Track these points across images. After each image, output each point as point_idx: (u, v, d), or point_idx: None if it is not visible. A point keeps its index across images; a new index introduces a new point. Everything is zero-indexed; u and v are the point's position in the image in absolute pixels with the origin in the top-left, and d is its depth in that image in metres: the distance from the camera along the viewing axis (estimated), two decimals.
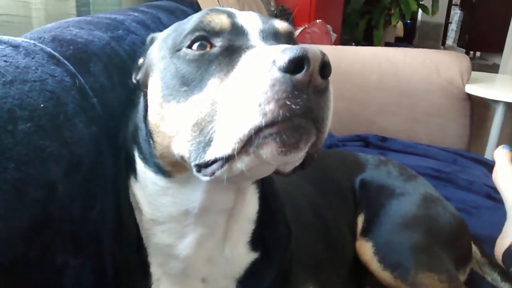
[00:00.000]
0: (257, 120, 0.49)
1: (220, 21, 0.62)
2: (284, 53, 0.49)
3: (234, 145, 0.51)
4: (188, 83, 0.59)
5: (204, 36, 0.61)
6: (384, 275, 0.97)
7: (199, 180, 0.62)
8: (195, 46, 0.61)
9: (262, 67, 0.51)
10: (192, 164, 0.58)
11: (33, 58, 0.68)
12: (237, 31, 0.62)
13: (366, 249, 1.03)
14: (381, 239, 1.03)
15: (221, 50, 0.60)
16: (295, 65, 0.48)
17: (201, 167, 0.57)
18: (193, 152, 0.57)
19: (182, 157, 0.60)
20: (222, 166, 0.55)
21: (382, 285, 0.99)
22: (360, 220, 1.12)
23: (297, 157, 0.55)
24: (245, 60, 0.55)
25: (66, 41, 0.79)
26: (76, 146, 0.66)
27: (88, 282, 0.67)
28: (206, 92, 0.57)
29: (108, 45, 0.88)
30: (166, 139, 0.63)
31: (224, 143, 0.52)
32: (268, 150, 0.51)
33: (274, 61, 0.50)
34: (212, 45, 0.61)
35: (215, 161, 0.55)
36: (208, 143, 0.55)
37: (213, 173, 0.56)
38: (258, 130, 0.50)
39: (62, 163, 0.62)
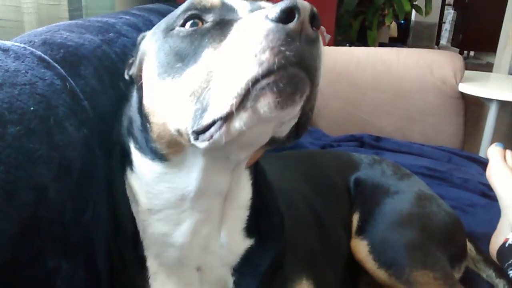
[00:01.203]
0: (254, 70, 0.51)
1: None
2: (275, 6, 0.52)
3: (232, 100, 0.52)
4: (183, 59, 0.60)
5: (196, 14, 0.63)
6: (379, 273, 0.97)
7: (195, 161, 0.64)
8: (188, 24, 0.63)
9: (256, 22, 0.53)
10: (190, 131, 0.58)
11: (23, 62, 0.68)
12: (227, 8, 0.64)
13: (361, 248, 1.03)
14: (376, 238, 1.03)
15: (213, 24, 0.61)
16: (287, 15, 0.51)
17: (198, 133, 0.58)
18: (191, 120, 0.58)
19: (179, 131, 0.61)
20: (220, 128, 0.55)
21: (377, 284, 0.99)
22: (355, 218, 1.12)
23: (293, 112, 0.56)
24: (238, 25, 0.57)
25: (57, 45, 0.78)
26: (67, 149, 0.66)
27: (81, 285, 0.67)
28: (200, 63, 0.58)
29: (99, 48, 0.88)
30: (162, 116, 0.64)
31: (221, 102, 0.53)
32: (266, 102, 0.52)
33: (266, 15, 0.52)
34: (204, 22, 0.63)
35: (212, 124, 0.56)
36: (205, 109, 0.56)
37: (211, 137, 0.57)
38: (255, 81, 0.51)
39: (53, 166, 0.62)
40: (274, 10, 0.51)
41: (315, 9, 0.52)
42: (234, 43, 0.55)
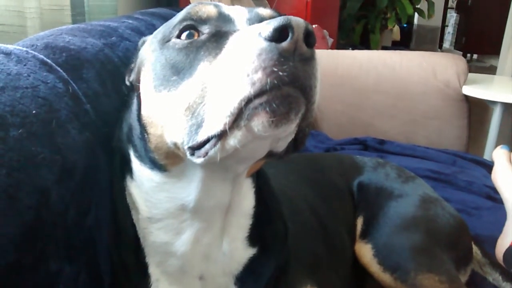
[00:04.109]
0: (246, 90, 0.50)
1: (207, 9, 0.64)
2: (269, 23, 0.51)
3: (225, 119, 0.52)
4: (178, 72, 0.60)
5: (192, 25, 0.63)
6: (384, 277, 0.96)
7: (195, 172, 0.63)
8: (183, 35, 0.63)
9: (248, 40, 0.52)
10: (185, 147, 0.58)
11: (25, 65, 0.68)
12: (224, 18, 0.63)
13: (365, 251, 1.03)
14: (380, 241, 1.03)
15: (209, 36, 0.61)
16: (280, 34, 0.50)
17: (194, 149, 0.58)
18: (186, 136, 0.57)
19: (175, 144, 0.61)
20: (215, 145, 0.55)
21: None
22: (359, 222, 1.12)
23: (288, 130, 0.55)
24: (232, 40, 0.56)
25: (59, 48, 0.79)
26: (69, 152, 0.65)
27: None
28: (196, 76, 0.58)
29: (101, 52, 0.88)
30: (159, 128, 0.63)
31: (215, 120, 0.53)
32: (259, 122, 0.51)
33: (259, 33, 0.51)
34: (200, 33, 0.62)
35: (207, 140, 0.55)
36: (200, 125, 0.55)
37: (206, 153, 0.56)
38: (248, 101, 0.51)
39: (55, 169, 0.62)
40: (268, 28, 0.50)
41: (310, 27, 0.51)
42: (227, 60, 0.54)
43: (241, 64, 0.51)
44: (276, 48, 0.50)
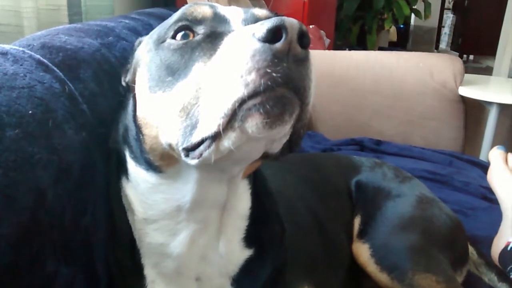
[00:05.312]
0: (240, 91, 0.50)
1: (202, 10, 0.64)
2: (263, 24, 0.51)
3: (219, 120, 0.52)
4: (173, 73, 0.60)
5: (187, 25, 0.63)
6: (381, 277, 0.96)
7: (190, 172, 0.63)
8: (178, 36, 0.63)
9: (242, 41, 0.52)
10: (180, 148, 0.58)
11: (21, 65, 0.67)
12: (219, 19, 0.64)
13: (363, 251, 1.03)
14: (377, 241, 1.03)
15: (204, 36, 0.61)
16: (273, 35, 0.50)
17: (188, 150, 0.58)
18: (180, 137, 0.57)
19: (170, 145, 0.61)
20: (209, 146, 0.55)
21: None
22: (357, 222, 1.12)
23: (283, 131, 0.55)
24: (227, 41, 0.56)
25: (56, 48, 0.78)
26: (66, 153, 0.65)
27: None
28: (190, 77, 0.58)
29: (98, 52, 0.88)
30: (154, 129, 0.63)
31: (209, 121, 0.53)
32: (253, 123, 0.51)
33: (253, 34, 0.51)
34: (195, 34, 0.62)
35: (202, 142, 0.55)
36: (194, 126, 0.55)
37: (200, 155, 0.56)
38: (241, 102, 0.51)
39: (52, 169, 0.61)
40: (261, 29, 0.50)
41: (304, 27, 0.51)
42: (221, 61, 0.54)
43: (234, 65, 0.51)
44: (270, 49, 0.50)
